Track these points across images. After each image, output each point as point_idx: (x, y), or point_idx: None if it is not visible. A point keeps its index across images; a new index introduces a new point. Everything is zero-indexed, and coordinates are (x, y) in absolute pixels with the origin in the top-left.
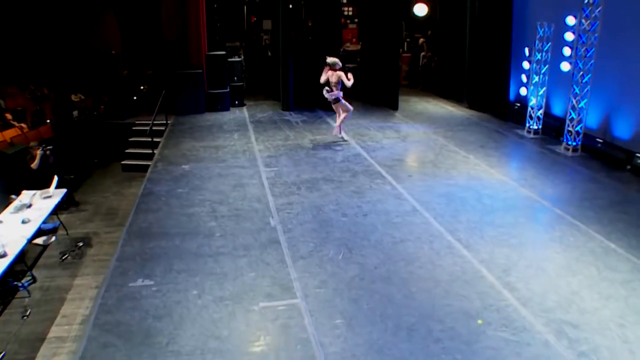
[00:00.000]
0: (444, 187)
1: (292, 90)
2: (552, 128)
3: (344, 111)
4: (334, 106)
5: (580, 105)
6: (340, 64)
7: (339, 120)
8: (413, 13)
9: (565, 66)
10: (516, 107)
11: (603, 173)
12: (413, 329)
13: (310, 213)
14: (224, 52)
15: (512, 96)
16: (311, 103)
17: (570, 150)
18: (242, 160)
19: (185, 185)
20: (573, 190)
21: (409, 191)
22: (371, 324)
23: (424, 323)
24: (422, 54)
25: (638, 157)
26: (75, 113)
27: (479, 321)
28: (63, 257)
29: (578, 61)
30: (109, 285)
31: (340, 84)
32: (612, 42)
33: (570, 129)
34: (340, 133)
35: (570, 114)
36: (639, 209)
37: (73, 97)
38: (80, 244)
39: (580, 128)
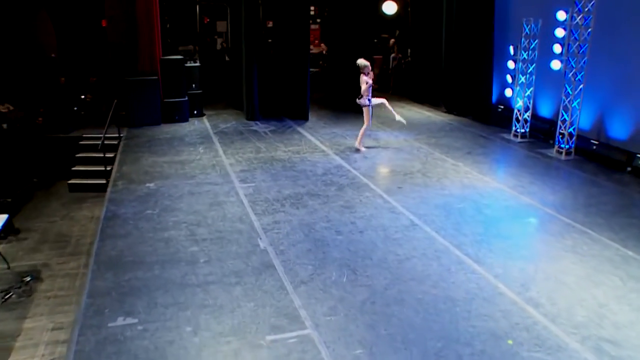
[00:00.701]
0: (439, 198)
1: (257, 98)
2: (541, 131)
3: (365, 121)
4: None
5: (573, 106)
6: (369, 66)
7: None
8: (381, 11)
9: (555, 64)
10: (499, 109)
11: (602, 176)
12: (441, 355)
13: (302, 232)
14: (181, 57)
15: (494, 98)
16: (278, 111)
17: (564, 153)
18: (214, 176)
19: (154, 205)
20: (575, 196)
21: (403, 204)
22: (394, 352)
23: (452, 348)
24: (393, 55)
25: (639, 157)
26: (4, 126)
27: (509, 342)
28: (6, 297)
29: (570, 59)
30: (83, 327)
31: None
32: (605, 37)
33: (562, 131)
34: (358, 144)
35: (563, 115)
36: None
37: (0, 108)
38: (27, 278)
39: (574, 130)
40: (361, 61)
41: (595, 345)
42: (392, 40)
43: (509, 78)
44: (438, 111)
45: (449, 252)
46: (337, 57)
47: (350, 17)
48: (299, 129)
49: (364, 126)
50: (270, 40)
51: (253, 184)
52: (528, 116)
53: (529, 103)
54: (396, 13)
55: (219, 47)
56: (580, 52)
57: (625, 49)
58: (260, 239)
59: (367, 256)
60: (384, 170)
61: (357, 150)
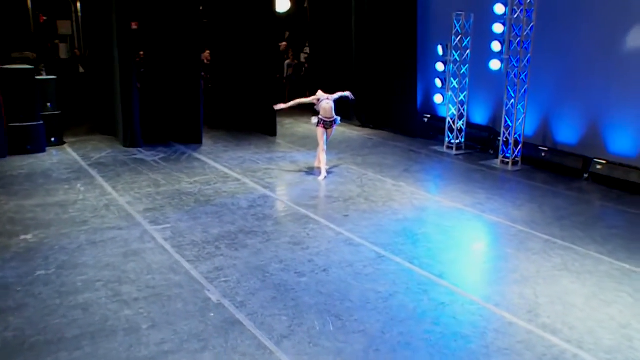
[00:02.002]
0: (395, 225)
1: (139, 120)
2: (477, 140)
3: (318, 140)
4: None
5: (517, 109)
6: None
7: (318, 152)
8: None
9: (495, 64)
10: (426, 119)
11: (561, 186)
12: None
13: (255, 277)
14: (31, 67)
15: (419, 107)
16: (163, 135)
17: (510, 163)
18: (112, 219)
19: (46, 263)
20: (542, 209)
21: (358, 234)
22: None
23: None
24: (287, 62)
25: (597, 162)
26: None
27: None
28: None
29: (512, 58)
30: None
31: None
32: (547, 32)
33: (506, 138)
34: (320, 164)
35: (506, 121)
36: (626, 222)
37: None
38: None
39: (519, 136)
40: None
41: None
42: (283, 44)
43: (438, 82)
44: (351, 125)
45: (434, 284)
46: (225, 67)
47: (238, 16)
48: (197, 155)
49: (319, 148)
50: (142, 53)
51: (169, 225)
52: (463, 125)
53: (463, 110)
54: (288, 11)
55: (64, 55)
56: (523, 49)
57: (569, 44)
58: (209, 290)
59: (345, 298)
60: (318, 197)
61: (320, 173)
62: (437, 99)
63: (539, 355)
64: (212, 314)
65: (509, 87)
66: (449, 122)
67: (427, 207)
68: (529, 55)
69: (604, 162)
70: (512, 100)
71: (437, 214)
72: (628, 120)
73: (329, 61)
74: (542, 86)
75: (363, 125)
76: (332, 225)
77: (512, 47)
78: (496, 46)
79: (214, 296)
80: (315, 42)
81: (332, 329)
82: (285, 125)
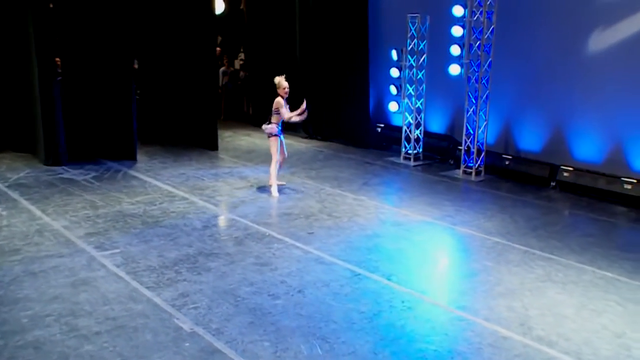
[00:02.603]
0: (365, 241)
1: (64, 135)
2: (435, 150)
3: (272, 154)
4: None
5: (479, 116)
6: (286, 86)
7: (271, 166)
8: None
9: (454, 69)
10: (379, 128)
11: (529, 195)
12: None
13: (226, 302)
14: None
15: (372, 115)
16: (90, 151)
17: (473, 173)
18: (49, 245)
19: None
20: (514, 220)
21: (328, 252)
22: None
23: None
24: (222, 69)
25: (564, 169)
26: None
27: None
28: None
29: (472, 62)
30: None
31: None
32: (507, 36)
33: (467, 147)
34: (270, 182)
35: (467, 129)
36: (600, 230)
37: None
38: None
39: (482, 145)
40: (278, 79)
41: None
42: (217, 50)
43: (393, 89)
44: (297, 137)
45: (418, 300)
46: (155, 74)
47: (170, 18)
48: (134, 173)
49: (273, 162)
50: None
51: (118, 250)
52: (420, 134)
53: (420, 118)
54: (222, 14)
55: None
56: (484, 52)
57: (531, 48)
58: (178, 319)
59: (328, 319)
60: (277, 214)
61: (270, 191)
62: (392, 106)
63: None
64: (187, 344)
65: (469, 93)
66: (405, 132)
67: (395, 222)
68: (490, 59)
69: (570, 169)
70: (473, 107)
71: (406, 228)
72: (592, 125)
73: (270, 68)
74: (504, 91)
75: (310, 137)
76: (298, 244)
77: (472, 51)
78: (455, 50)
79: (186, 324)
80: (252, 47)
81: (320, 352)
82: (225, 139)
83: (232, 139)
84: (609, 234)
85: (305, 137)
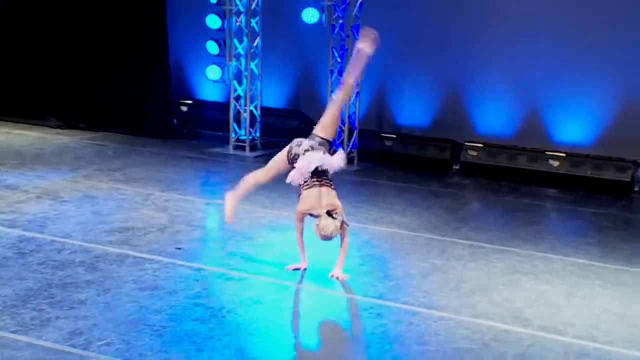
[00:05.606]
0: (264, 250)
1: None
2: (280, 132)
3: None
4: None
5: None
6: None
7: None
8: None
9: (310, 15)
10: (185, 108)
11: (435, 183)
12: None
13: (144, 333)
14: None
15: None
16: None
17: (354, 161)
18: None
19: None
20: (435, 213)
21: (227, 266)
22: None
23: None
24: None
25: (469, 147)
26: None
27: None
28: None
29: (336, 5)
30: None
31: None
32: None
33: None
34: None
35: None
36: (542, 216)
37: None
38: None
39: (354, 122)
40: None
41: None
42: None
43: (212, 46)
44: (43, 128)
45: (382, 306)
46: None
47: None
48: None
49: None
50: None
51: None
52: (256, 111)
53: (254, 88)
54: None
55: None
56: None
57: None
58: (97, 359)
59: (288, 336)
60: (116, 229)
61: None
62: (212, 73)
63: (561, 354)
64: None
65: (334, 49)
66: (235, 109)
67: (287, 225)
68: (360, 0)
69: (479, 146)
70: (339, 68)
71: (308, 231)
72: (500, 88)
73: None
74: (379, 48)
75: (67, 125)
76: (179, 262)
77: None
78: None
79: None
80: None
81: None
82: None
83: None
84: (553, 220)
85: (58, 127)
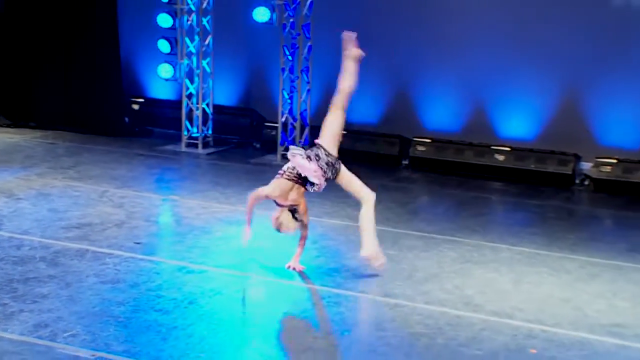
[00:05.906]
0: (222, 243)
1: None
2: (231, 129)
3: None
4: None
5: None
6: None
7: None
8: None
9: (261, 14)
10: (136, 106)
11: (385, 177)
12: None
13: (109, 324)
14: None
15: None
16: None
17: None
18: None
19: None
20: (386, 206)
21: (189, 259)
22: None
23: None
24: None
25: (417, 142)
26: None
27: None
28: None
29: (287, 4)
30: None
31: None
32: None
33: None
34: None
35: (284, 98)
36: (489, 208)
37: None
38: None
39: (305, 119)
40: None
41: None
42: None
43: (164, 44)
44: None
45: (340, 296)
46: None
47: None
48: None
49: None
50: None
51: None
52: (208, 109)
53: (205, 86)
54: None
55: None
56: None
57: None
58: (62, 349)
59: (257, 324)
60: (74, 225)
61: None
62: (164, 71)
63: (510, 337)
64: None
65: (285, 47)
66: (187, 106)
67: (242, 221)
68: (310, 1)
69: (427, 141)
70: (290, 65)
71: (266, 226)
72: (447, 84)
73: None
74: (326, 44)
75: (16, 124)
76: (139, 256)
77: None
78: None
79: (81, 352)
80: None
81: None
82: None
83: None
84: (500, 212)
85: (8, 125)
